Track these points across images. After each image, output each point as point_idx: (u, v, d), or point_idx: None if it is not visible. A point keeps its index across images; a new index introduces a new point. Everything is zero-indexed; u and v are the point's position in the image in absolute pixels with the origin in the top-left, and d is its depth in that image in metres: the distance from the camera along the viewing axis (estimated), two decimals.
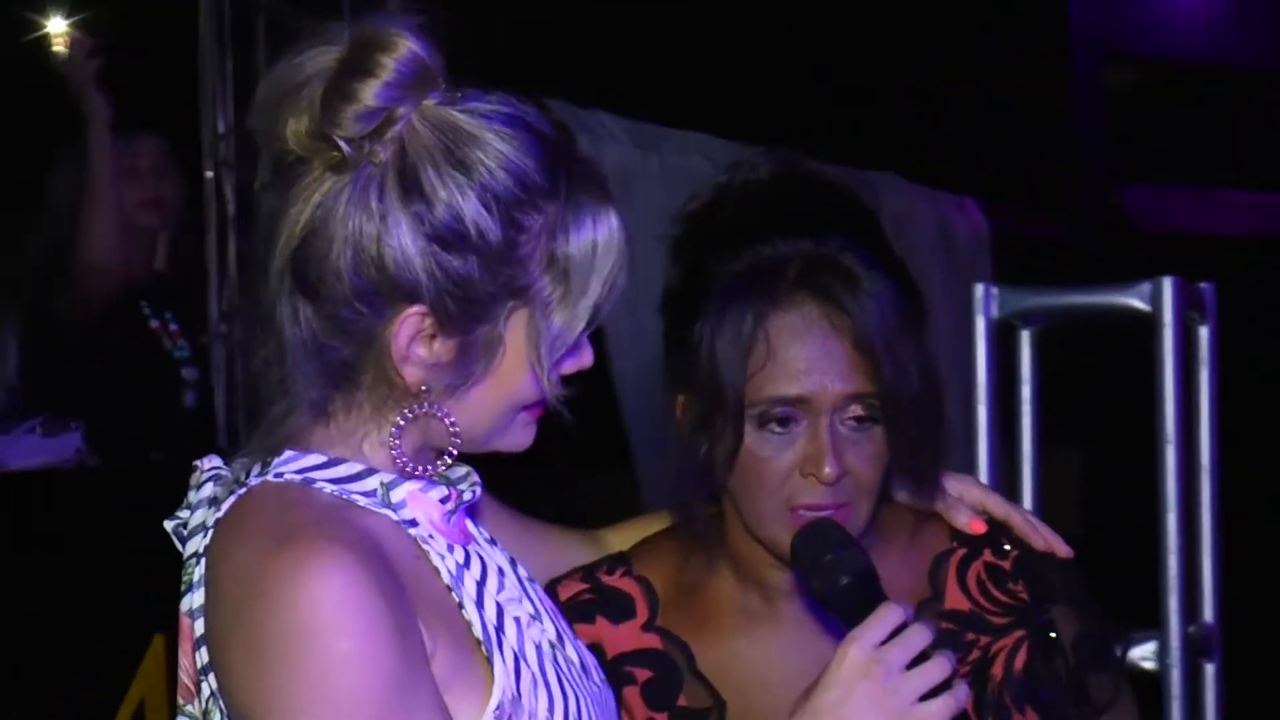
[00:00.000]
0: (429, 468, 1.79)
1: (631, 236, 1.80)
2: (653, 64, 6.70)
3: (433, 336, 1.73)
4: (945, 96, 7.90)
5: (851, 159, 5.79)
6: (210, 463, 1.85)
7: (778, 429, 2.01)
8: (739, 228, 2.05)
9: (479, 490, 1.86)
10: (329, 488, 1.74)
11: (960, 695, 1.79)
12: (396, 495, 1.76)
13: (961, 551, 2.15)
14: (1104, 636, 2.15)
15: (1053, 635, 2.11)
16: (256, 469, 1.77)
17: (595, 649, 2.04)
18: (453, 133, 1.72)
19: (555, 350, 1.76)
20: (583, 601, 2.14)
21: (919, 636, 1.80)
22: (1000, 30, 8.21)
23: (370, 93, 1.70)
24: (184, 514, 1.84)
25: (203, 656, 1.74)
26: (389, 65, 1.71)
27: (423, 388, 1.75)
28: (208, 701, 1.75)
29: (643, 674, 2.13)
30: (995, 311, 3.46)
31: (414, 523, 1.77)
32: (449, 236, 1.70)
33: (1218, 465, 3.46)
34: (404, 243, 1.70)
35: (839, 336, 2.00)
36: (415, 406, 1.76)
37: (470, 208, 1.71)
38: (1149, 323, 3.37)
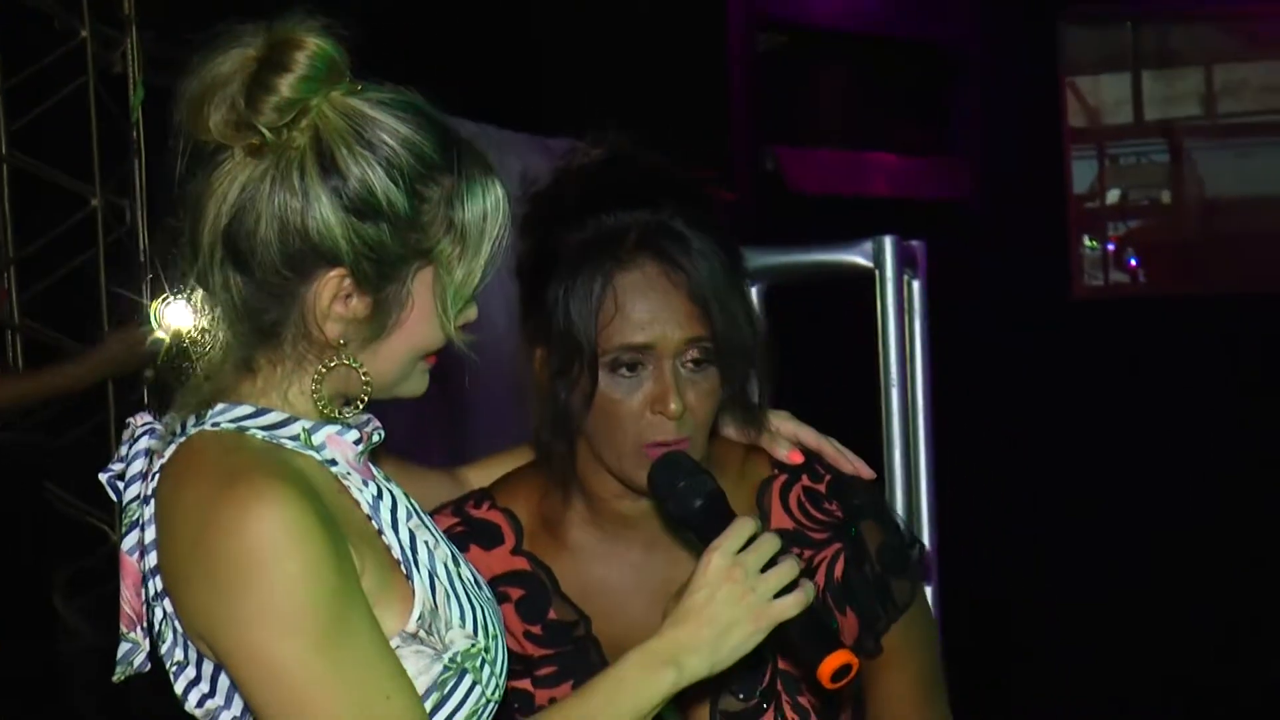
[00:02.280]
0: (342, 413, 2.03)
1: None
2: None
3: (350, 296, 1.98)
4: (604, 62, 8.10)
5: (512, 120, 6.04)
6: (143, 419, 2.09)
7: (627, 373, 2.28)
8: (583, 202, 2.33)
9: (383, 433, 2.10)
10: (260, 434, 1.98)
11: (807, 591, 2.08)
12: (317, 439, 2.01)
13: (783, 478, 2.46)
14: (903, 546, 2.48)
15: (863, 546, 2.43)
16: (192, 420, 2.00)
17: None
18: (359, 118, 1.97)
19: (457, 301, 2.02)
20: (456, 534, 2.39)
21: (769, 543, 2.09)
22: None
23: (287, 85, 1.95)
24: (117, 466, 2.08)
25: (156, 585, 1.97)
26: (302, 61, 1.96)
27: (341, 341, 1.99)
28: (160, 624, 1.99)
29: (516, 592, 2.40)
30: None
31: (334, 462, 2.02)
32: (363, 207, 1.95)
33: (932, 405, 3.77)
34: (324, 214, 1.94)
35: (676, 290, 2.28)
36: (333, 358, 2.00)
37: (380, 182, 1.95)
38: (870, 278, 3.65)
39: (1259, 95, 10.35)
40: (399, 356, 2.02)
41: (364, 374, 2.00)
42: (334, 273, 1.95)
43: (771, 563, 2.07)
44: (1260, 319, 9.41)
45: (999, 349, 9.33)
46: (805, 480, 2.45)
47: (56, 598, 5.36)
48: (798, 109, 9.62)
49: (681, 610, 2.06)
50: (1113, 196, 10.53)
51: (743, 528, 2.09)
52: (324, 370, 2.00)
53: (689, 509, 2.18)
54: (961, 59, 10.24)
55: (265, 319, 1.98)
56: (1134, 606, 8.10)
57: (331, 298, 1.96)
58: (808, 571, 2.37)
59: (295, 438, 1.99)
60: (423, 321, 2.01)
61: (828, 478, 2.46)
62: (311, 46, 1.96)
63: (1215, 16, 10.18)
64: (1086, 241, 10.45)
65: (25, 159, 5.82)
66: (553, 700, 2.31)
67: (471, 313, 2.06)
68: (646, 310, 2.27)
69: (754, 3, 9.07)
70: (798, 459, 2.46)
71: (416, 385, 2.08)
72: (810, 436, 2.50)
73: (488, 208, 2.02)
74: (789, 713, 2.38)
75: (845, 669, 2.05)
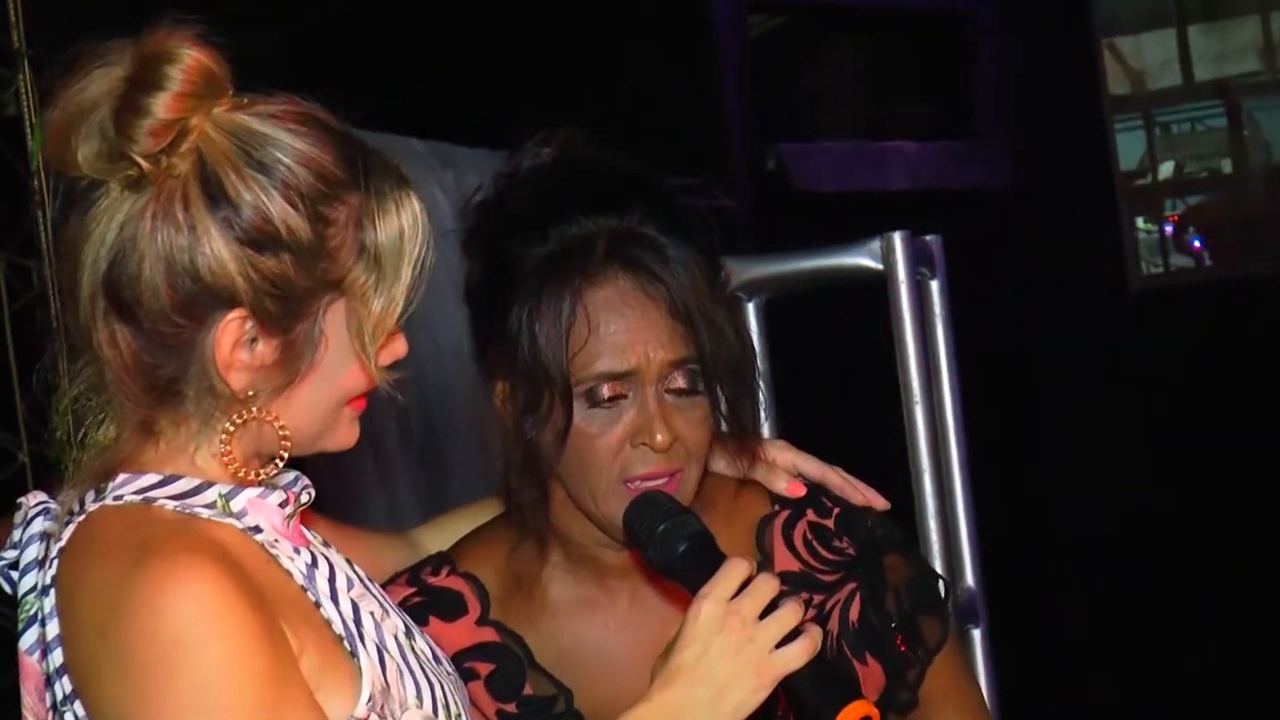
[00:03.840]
0: (261, 473, 2.01)
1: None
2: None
3: (254, 340, 1.95)
4: (575, 63, 8.08)
5: (471, 135, 6.02)
6: (36, 498, 2.06)
7: (606, 404, 2.26)
8: (539, 211, 2.30)
9: (313, 493, 2.06)
10: (170, 504, 1.96)
11: (815, 638, 2.06)
12: (236, 504, 1.98)
13: (785, 514, 2.44)
14: (930, 581, 2.48)
15: (883, 584, 2.41)
16: (91, 496, 1.97)
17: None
18: (248, 136, 1.95)
19: (378, 336, 1.99)
20: (413, 605, 2.36)
21: (767, 586, 2.07)
22: None
23: (162, 106, 1.92)
24: (10, 554, 2.05)
25: (64, 686, 1.93)
26: (177, 76, 1.93)
27: (250, 393, 1.97)
28: None
29: (485, 668, 2.37)
30: None
31: (258, 529, 1.99)
32: (260, 238, 1.93)
33: (963, 422, 3.74)
34: (216, 249, 1.92)
35: (655, 305, 2.26)
36: (243, 412, 1.96)
37: (276, 207, 1.93)
38: (881, 281, 3.62)
39: None
40: (318, 404, 2.00)
41: (280, 427, 1.98)
42: (233, 315, 1.93)
43: (772, 607, 2.05)
44: None
45: (1048, 353, 9.28)
46: (810, 515, 2.43)
47: None
48: (800, 98, 9.58)
49: (671, 668, 2.05)
50: (1166, 170, 10.46)
51: (735, 570, 2.07)
52: (233, 427, 1.97)
53: (672, 555, 2.16)
54: (982, 28, 10.21)
55: (160, 375, 1.95)
56: (1222, 629, 8.06)
57: (233, 344, 1.94)
58: (819, 619, 2.34)
59: (211, 505, 1.97)
60: (340, 362, 1.99)
61: (836, 511, 2.44)
62: (186, 59, 1.93)
63: None
64: (1141, 224, 10.39)
65: None
66: None
67: (399, 347, 2.04)
68: (623, 331, 2.25)
69: None
70: (799, 491, 2.44)
71: (344, 436, 2.06)
72: (812, 466, 2.48)
73: (404, 225, 2.00)
74: None
75: None
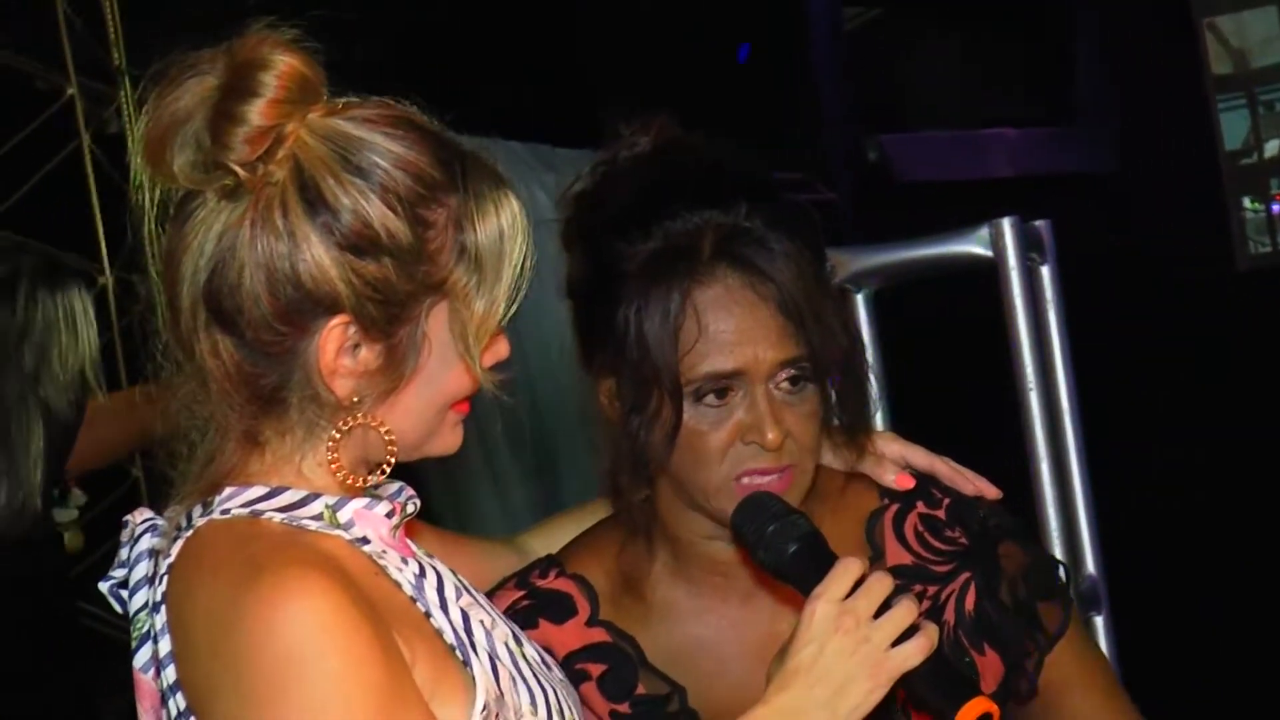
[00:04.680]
0: (368, 480, 1.97)
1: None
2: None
3: (357, 345, 1.92)
4: (671, 62, 8.06)
5: (566, 134, 5.99)
6: (142, 515, 2.04)
7: (714, 401, 2.22)
8: (641, 205, 2.25)
9: (418, 503, 2.02)
10: (278, 517, 1.92)
11: (930, 635, 2.02)
12: (343, 516, 1.95)
13: (894, 507, 2.39)
14: (1048, 567, 2.42)
15: (997, 573, 2.36)
16: (198, 510, 1.95)
17: (546, 652, 2.22)
18: (344, 140, 1.91)
19: (481, 338, 1.96)
20: (522, 608, 2.34)
21: (880, 584, 2.03)
22: None
23: (257, 113, 1.89)
24: (119, 572, 2.03)
25: (179, 703, 1.91)
26: (271, 83, 1.90)
27: (354, 399, 1.93)
28: None
29: (596, 669, 2.33)
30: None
31: (365, 540, 1.96)
32: (360, 242, 1.89)
33: (1079, 407, 3.67)
34: (317, 255, 1.88)
35: (764, 304, 2.21)
36: (348, 419, 1.93)
37: (376, 211, 1.89)
38: (991, 268, 3.56)
39: None
40: (423, 408, 1.97)
41: (386, 433, 1.95)
42: (336, 321, 1.90)
43: (885, 606, 2.02)
44: None
45: (1157, 337, 9.18)
46: (921, 507, 2.39)
47: None
48: (898, 89, 9.54)
49: (788, 670, 2.01)
50: (1272, 149, 10.33)
51: (848, 570, 2.04)
52: (339, 435, 1.93)
53: (781, 557, 2.13)
54: (1081, 12, 10.12)
55: (264, 384, 1.92)
56: None
57: (337, 350, 1.90)
58: (934, 610, 2.30)
59: (318, 517, 1.94)
60: (444, 365, 1.95)
61: (946, 501, 2.39)
62: (279, 65, 1.90)
63: None
64: (1247, 204, 10.27)
65: (18, 240, 5.78)
66: None
67: (502, 349, 2.00)
68: (733, 330, 2.21)
69: None
70: (908, 484, 2.40)
71: (449, 440, 2.02)
72: (920, 457, 2.44)
73: (503, 226, 1.96)
74: None
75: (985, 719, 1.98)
